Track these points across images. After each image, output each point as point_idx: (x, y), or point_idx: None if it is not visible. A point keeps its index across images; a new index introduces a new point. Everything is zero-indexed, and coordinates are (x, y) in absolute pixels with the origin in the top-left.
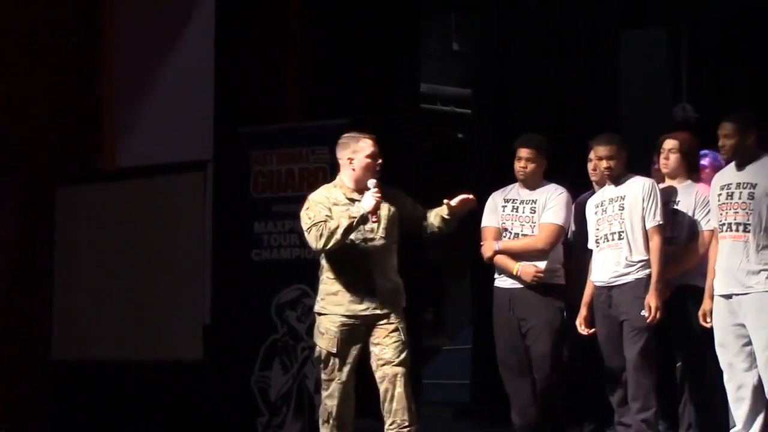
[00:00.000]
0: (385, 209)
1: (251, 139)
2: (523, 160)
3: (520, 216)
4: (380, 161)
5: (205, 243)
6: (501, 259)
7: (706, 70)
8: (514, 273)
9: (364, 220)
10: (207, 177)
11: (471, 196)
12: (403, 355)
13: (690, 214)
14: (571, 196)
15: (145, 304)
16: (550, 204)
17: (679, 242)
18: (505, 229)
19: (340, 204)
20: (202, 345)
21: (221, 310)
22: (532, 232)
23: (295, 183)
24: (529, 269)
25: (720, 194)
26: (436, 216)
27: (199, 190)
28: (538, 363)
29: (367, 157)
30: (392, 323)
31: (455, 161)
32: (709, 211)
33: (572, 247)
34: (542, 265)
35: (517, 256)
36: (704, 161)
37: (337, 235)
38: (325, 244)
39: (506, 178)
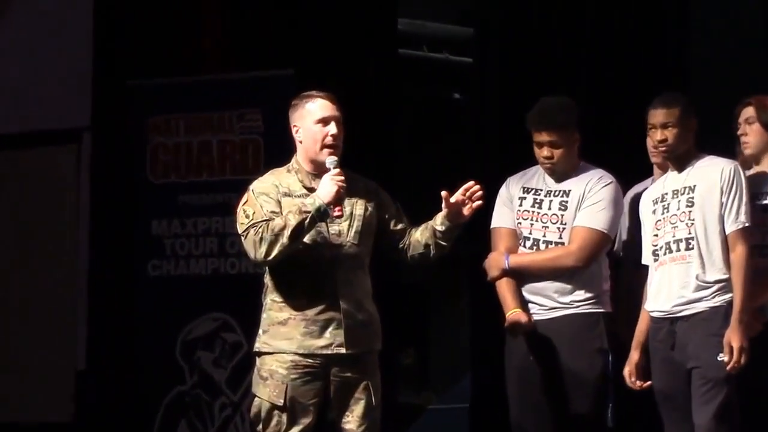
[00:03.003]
0: (360, 206)
1: (147, 97)
2: (546, 147)
3: (544, 214)
4: (335, 131)
5: (78, 251)
6: (502, 288)
7: None
8: (506, 321)
9: (321, 215)
10: (82, 153)
11: (477, 187)
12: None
13: None
14: (621, 189)
15: None
16: (590, 199)
17: None
18: (521, 234)
19: (294, 195)
20: (73, 401)
21: (101, 349)
22: (560, 238)
23: (212, 162)
24: (518, 319)
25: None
26: (424, 232)
27: (69, 173)
28: (572, 431)
29: (317, 122)
30: (361, 377)
31: (449, 132)
32: None
33: (622, 263)
34: (573, 290)
35: (536, 275)
36: None
37: (283, 239)
38: (267, 253)
39: (521, 156)
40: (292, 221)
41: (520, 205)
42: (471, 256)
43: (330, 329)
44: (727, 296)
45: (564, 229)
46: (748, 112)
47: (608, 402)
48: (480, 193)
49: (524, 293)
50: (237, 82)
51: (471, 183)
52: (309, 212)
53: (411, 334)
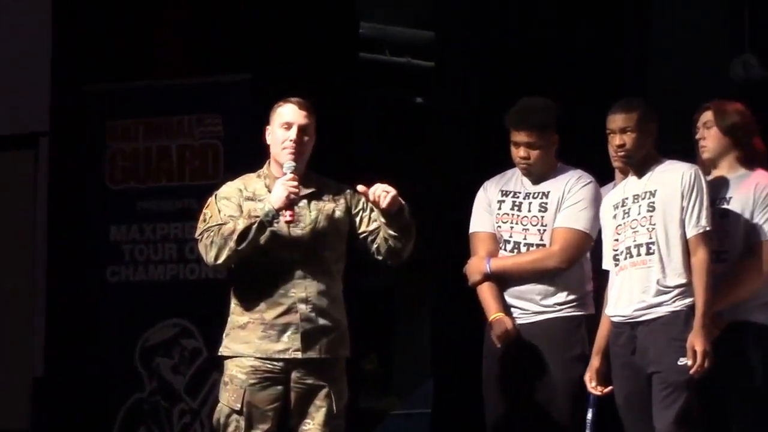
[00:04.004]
0: (327, 211)
1: (105, 102)
2: (522, 147)
3: (524, 216)
4: (294, 136)
5: (35, 257)
6: (483, 292)
7: None
8: (490, 325)
9: (270, 220)
10: (39, 158)
11: (384, 187)
12: None
13: (746, 216)
14: (599, 188)
15: None
16: (570, 199)
17: (731, 258)
18: (501, 237)
19: (257, 199)
20: (30, 409)
21: (59, 356)
22: (541, 240)
23: (171, 168)
24: (501, 325)
25: None
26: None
27: (27, 178)
28: None
29: (281, 126)
30: (323, 383)
31: (411, 136)
32: None
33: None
34: (556, 292)
35: (518, 279)
36: None
37: (231, 243)
38: (216, 257)
39: (486, 161)
40: (240, 225)
41: (499, 208)
42: (434, 261)
43: (288, 333)
44: (688, 300)
45: (545, 230)
46: (707, 116)
47: (588, 408)
48: (381, 192)
49: (507, 297)
50: (196, 87)
51: (364, 189)
52: (257, 216)
53: (374, 339)
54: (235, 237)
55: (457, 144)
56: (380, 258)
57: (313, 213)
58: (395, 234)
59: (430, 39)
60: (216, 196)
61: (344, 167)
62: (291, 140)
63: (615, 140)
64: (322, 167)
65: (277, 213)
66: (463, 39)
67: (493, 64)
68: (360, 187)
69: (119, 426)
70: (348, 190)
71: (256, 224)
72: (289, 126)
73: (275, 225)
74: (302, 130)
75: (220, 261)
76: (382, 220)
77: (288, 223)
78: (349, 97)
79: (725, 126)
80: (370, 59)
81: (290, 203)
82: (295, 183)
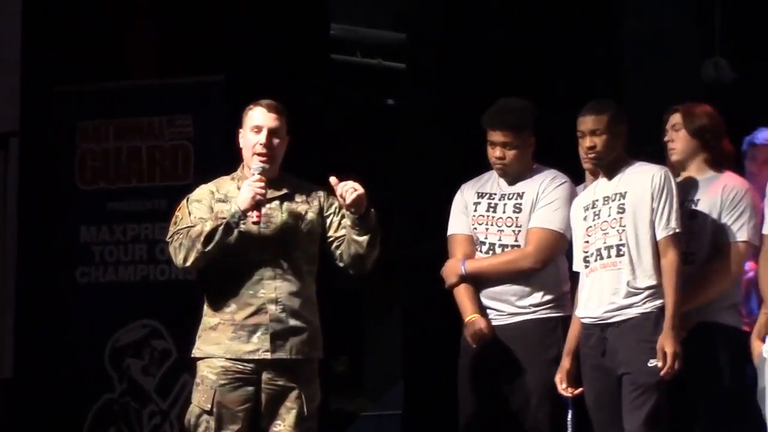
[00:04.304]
0: (298, 212)
1: (76, 103)
2: (498, 147)
3: (499, 218)
4: (263, 140)
5: (5, 257)
6: (460, 294)
7: (747, 11)
8: (466, 326)
9: (236, 221)
10: (9, 158)
11: (354, 184)
12: None
13: (714, 217)
14: (575, 188)
15: None
16: (544, 199)
17: (698, 260)
18: (477, 239)
19: (229, 201)
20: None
21: (29, 357)
22: (516, 241)
23: (142, 168)
24: (475, 325)
25: None
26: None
27: None
28: None
29: (252, 129)
30: (294, 385)
31: (382, 137)
32: (743, 212)
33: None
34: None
35: (493, 280)
36: (761, 136)
37: (198, 246)
38: (185, 259)
39: (458, 162)
40: (207, 228)
41: (475, 210)
42: (405, 263)
43: (257, 334)
44: (658, 302)
45: (519, 231)
46: (675, 119)
47: (567, 411)
48: (350, 188)
49: (483, 299)
50: (167, 88)
51: (335, 181)
52: (224, 218)
53: (344, 340)
54: (201, 239)
55: (429, 145)
56: (342, 265)
57: (284, 214)
58: (360, 239)
59: (401, 41)
60: (188, 199)
61: (315, 168)
62: (261, 143)
63: (585, 142)
64: (293, 168)
65: (243, 214)
66: (435, 41)
67: (464, 66)
68: (332, 179)
69: (89, 427)
70: (322, 193)
71: (222, 226)
72: (259, 129)
73: (242, 226)
74: (272, 132)
75: (188, 263)
76: (349, 222)
77: (255, 224)
78: (321, 99)
79: (694, 128)
80: (342, 61)
81: (256, 204)
82: (262, 184)
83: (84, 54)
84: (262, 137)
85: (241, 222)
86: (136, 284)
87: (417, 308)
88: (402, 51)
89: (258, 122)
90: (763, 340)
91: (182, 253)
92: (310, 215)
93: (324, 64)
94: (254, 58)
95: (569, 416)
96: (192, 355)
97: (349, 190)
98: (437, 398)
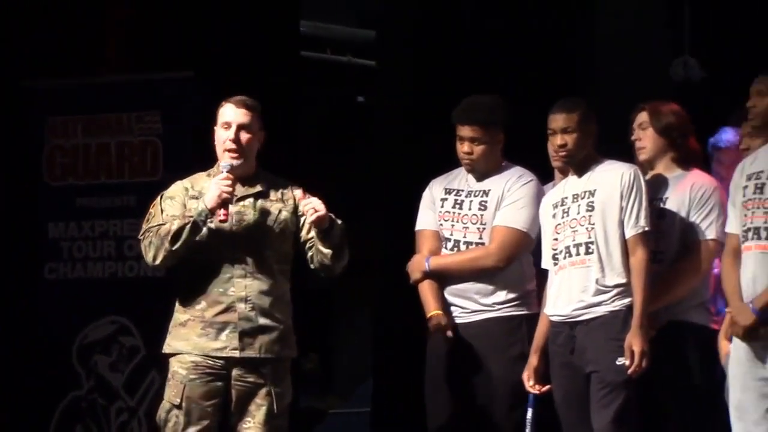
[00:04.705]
0: (272, 210)
1: (44, 98)
2: (466, 142)
3: (465, 214)
4: (232, 136)
5: None
6: (424, 290)
7: (717, 10)
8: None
9: (203, 219)
10: None
11: (315, 204)
12: None
13: (683, 215)
14: (542, 187)
15: None
16: (510, 197)
17: (667, 259)
18: (443, 236)
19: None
20: None
21: None
22: (481, 239)
23: (110, 164)
24: (438, 322)
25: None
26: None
27: None
28: None
29: (221, 126)
30: (263, 382)
31: (352, 134)
32: (711, 210)
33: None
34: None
35: (456, 277)
36: (724, 138)
37: (166, 244)
38: (154, 258)
39: (427, 159)
40: (174, 226)
41: (442, 206)
42: (375, 262)
43: (226, 332)
44: (627, 300)
45: (484, 229)
46: (642, 117)
47: (527, 408)
48: (310, 208)
49: (446, 295)
50: (136, 84)
51: (301, 196)
52: (191, 216)
53: (314, 338)
54: (169, 238)
55: (399, 143)
56: (313, 267)
57: (257, 212)
58: (324, 251)
59: (371, 38)
60: (162, 195)
61: (285, 165)
62: (230, 139)
63: (556, 140)
64: (264, 165)
65: (210, 212)
66: (405, 38)
67: (434, 63)
68: (297, 192)
69: (56, 424)
70: (298, 191)
71: (189, 225)
72: (228, 125)
73: (212, 224)
74: (241, 128)
75: (158, 262)
76: (313, 233)
77: (221, 222)
78: (291, 95)
79: (660, 126)
80: (312, 58)
81: (223, 202)
82: (229, 182)
83: (53, 49)
84: (231, 133)
85: (209, 220)
86: (104, 281)
87: (387, 307)
88: (372, 48)
89: (227, 118)
90: (730, 340)
91: (152, 251)
92: (284, 214)
93: (294, 61)
94: (224, 55)
95: (529, 414)
96: (163, 351)
97: (309, 210)
98: (406, 396)
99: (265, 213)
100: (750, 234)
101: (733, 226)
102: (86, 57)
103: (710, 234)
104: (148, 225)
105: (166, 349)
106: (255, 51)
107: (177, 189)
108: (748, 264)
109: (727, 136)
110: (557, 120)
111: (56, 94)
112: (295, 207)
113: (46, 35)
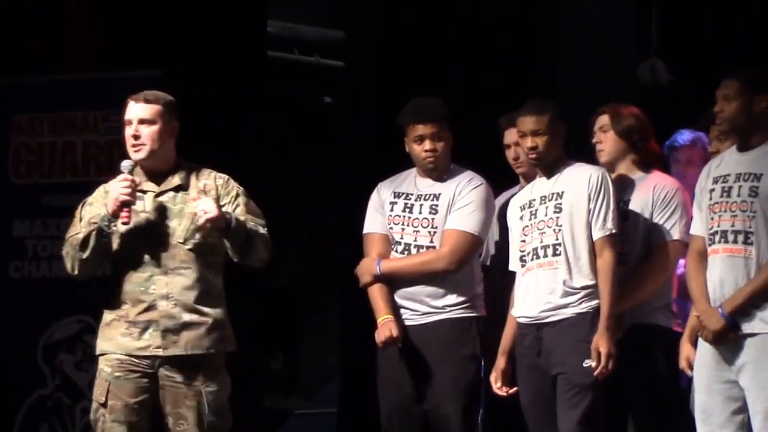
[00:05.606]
0: (190, 203)
1: (10, 96)
2: (428, 139)
3: (415, 218)
4: (130, 132)
5: None
6: (374, 294)
7: (684, 14)
8: (377, 328)
9: (107, 224)
10: None
11: (204, 206)
12: None
13: (646, 216)
14: (491, 191)
15: None
16: (460, 201)
17: (631, 261)
18: (393, 239)
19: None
20: None
21: None
22: (432, 242)
23: (76, 163)
24: (386, 329)
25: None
26: None
27: None
28: None
29: (125, 124)
30: (193, 381)
31: (319, 135)
32: (674, 211)
33: (489, 270)
34: (445, 294)
35: (407, 280)
36: (680, 138)
37: (78, 253)
38: (72, 269)
39: (394, 160)
40: (80, 235)
41: (391, 210)
42: (340, 260)
43: (149, 331)
44: (594, 302)
45: (435, 233)
46: (603, 120)
47: (479, 408)
48: (200, 210)
49: (397, 299)
50: (103, 82)
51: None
52: (95, 223)
53: (280, 338)
54: (78, 247)
55: (366, 143)
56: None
57: (177, 206)
58: (230, 247)
59: (339, 38)
60: (84, 202)
61: (250, 166)
62: (131, 135)
63: (527, 142)
64: (228, 166)
65: (113, 216)
66: (373, 39)
67: (401, 64)
68: (192, 196)
69: (21, 423)
70: (221, 180)
71: (94, 231)
72: (129, 123)
73: (121, 227)
74: (141, 122)
75: (76, 272)
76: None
77: (124, 224)
78: (257, 95)
79: (621, 129)
80: (279, 58)
81: (122, 205)
82: (126, 184)
83: (19, 46)
84: (132, 129)
85: (112, 224)
86: (69, 280)
87: (353, 306)
88: (340, 48)
89: (127, 116)
90: (694, 343)
91: (69, 262)
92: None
93: (261, 60)
94: (191, 54)
95: (480, 414)
96: (95, 353)
97: (199, 212)
98: (372, 396)
99: (186, 206)
100: (717, 237)
101: (698, 228)
102: (53, 54)
103: (674, 234)
104: (68, 234)
105: (96, 350)
106: (222, 50)
107: (97, 194)
108: (715, 267)
109: (683, 136)
110: (527, 122)
111: (22, 92)
112: (218, 197)
113: (12, 32)
